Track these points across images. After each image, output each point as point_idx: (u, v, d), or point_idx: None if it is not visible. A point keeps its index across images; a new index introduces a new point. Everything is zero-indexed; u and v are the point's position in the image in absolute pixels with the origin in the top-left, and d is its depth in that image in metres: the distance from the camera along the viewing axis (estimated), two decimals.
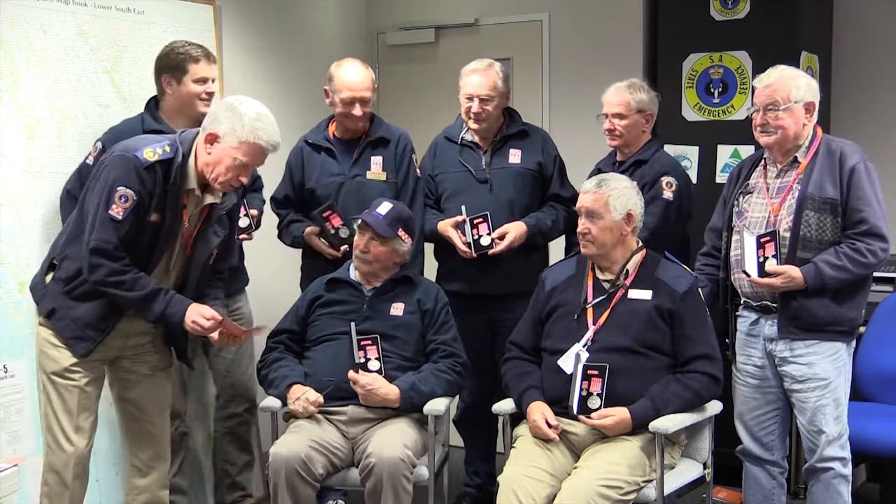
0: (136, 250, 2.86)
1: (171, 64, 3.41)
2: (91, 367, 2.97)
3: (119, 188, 2.79)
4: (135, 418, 3.12)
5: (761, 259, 3.05)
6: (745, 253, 3.09)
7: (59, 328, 2.92)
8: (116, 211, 2.79)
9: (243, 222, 3.49)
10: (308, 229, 3.67)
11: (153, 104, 3.50)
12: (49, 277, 2.95)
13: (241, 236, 3.52)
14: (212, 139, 2.87)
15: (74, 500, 2.98)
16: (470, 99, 3.68)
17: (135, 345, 3.05)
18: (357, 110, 3.64)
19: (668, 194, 3.55)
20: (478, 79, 3.68)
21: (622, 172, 3.53)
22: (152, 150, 2.84)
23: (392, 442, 3.08)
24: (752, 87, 3.18)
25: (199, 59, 3.43)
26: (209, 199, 2.96)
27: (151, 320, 2.94)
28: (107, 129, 3.48)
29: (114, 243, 2.80)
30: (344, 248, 3.61)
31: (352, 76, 3.65)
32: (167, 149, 2.86)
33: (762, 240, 3.07)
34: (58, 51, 3.51)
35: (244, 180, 2.93)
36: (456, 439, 3.91)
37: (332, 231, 3.61)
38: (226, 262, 3.21)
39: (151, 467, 3.14)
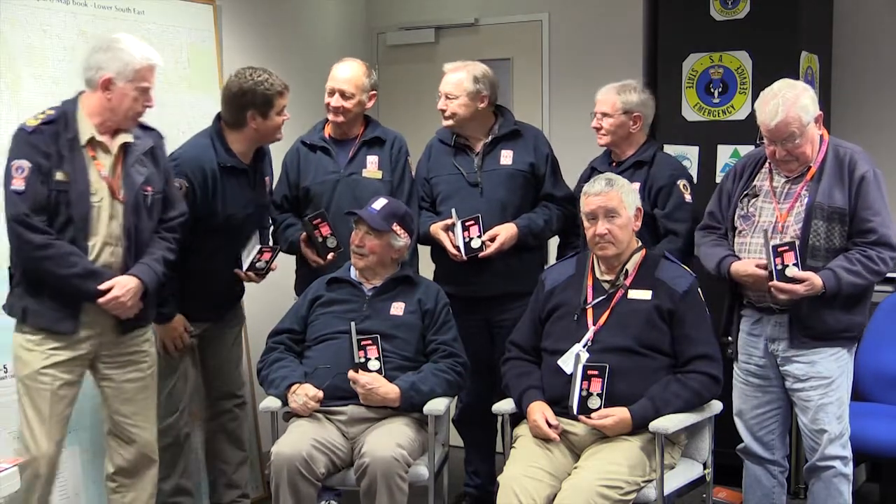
0: (66, 217, 2.90)
1: (259, 101, 3.39)
2: (64, 369, 2.98)
3: (13, 162, 2.88)
4: (117, 425, 3.15)
5: (779, 267, 3.03)
6: (769, 260, 3.04)
7: (38, 322, 2.96)
8: (17, 183, 2.86)
9: (260, 265, 3.54)
10: (302, 235, 3.67)
11: (217, 127, 3.48)
12: (12, 290, 3.02)
13: (250, 273, 3.54)
14: (107, 84, 2.95)
15: (42, 500, 3.01)
16: (440, 96, 3.73)
17: (109, 342, 3.07)
18: (335, 100, 3.66)
19: (688, 197, 3.58)
20: (446, 77, 3.73)
21: (620, 173, 3.53)
22: (34, 117, 2.95)
23: (386, 441, 3.08)
24: (754, 109, 3.11)
25: (284, 92, 3.44)
26: (121, 139, 3.01)
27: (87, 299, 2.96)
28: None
29: (24, 212, 2.85)
30: (330, 257, 3.61)
31: (339, 70, 3.71)
32: (50, 112, 2.95)
33: (780, 249, 3.02)
34: (58, 51, 3.51)
35: (151, 103, 3.04)
36: (456, 439, 3.91)
37: (320, 239, 3.61)
38: (173, 212, 3.19)
39: (138, 471, 3.17)
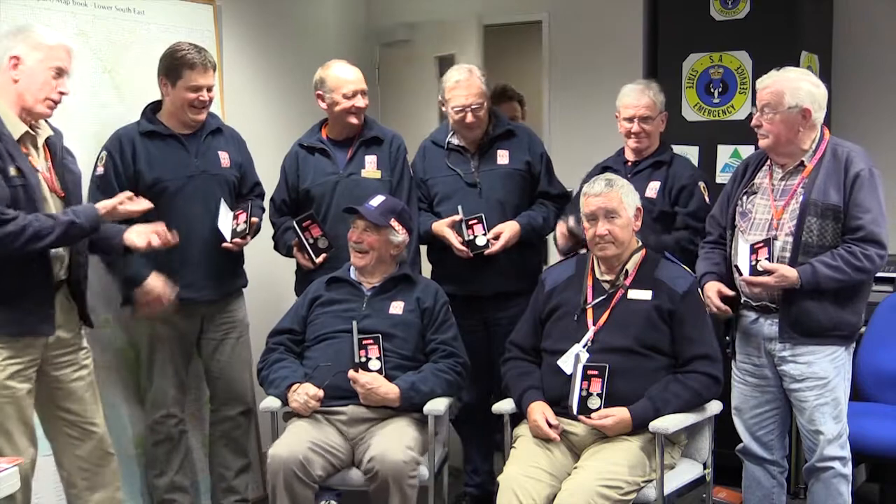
0: (28, 212, 2.80)
1: (168, 67, 3.43)
2: (22, 378, 2.87)
3: None
4: (72, 423, 3.06)
5: (753, 262, 3.05)
6: (739, 256, 3.09)
7: (15, 330, 2.83)
8: None
9: (240, 227, 3.50)
10: (293, 241, 3.67)
11: (150, 109, 3.53)
12: None
13: (235, 240, 3.51)
14: (15, 63, 2.84)
15: None
16: (462, 111, 3.67)
17: (55, 340, 2.96)
18: (360, 101, 3.67)
19: (707, 199, 3.59)
20: (463, 90, 3.67)
21: (637, 173, 3.55)
22: None
23: (395, 444, 3.08)
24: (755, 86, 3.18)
25: (196, 66, 3.42)
26: (44, 134, 2.95)
27: (89, 243, 2.96)
28: (107, 131, 3.48)
29: None
30: (320, 259, 3.61)
31: (347, 72, 3.70)
32: None
33: (756, 246, 3.06)
34: None
35: (65, 89, 2.92)
36: (456, 439, 3.90)
37: (311, 241, 3.61)
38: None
39: (99, 467, 3.09)
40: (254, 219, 3.56)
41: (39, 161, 2.93)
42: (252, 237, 3.60)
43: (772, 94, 3.07)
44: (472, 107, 3.66)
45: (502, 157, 3.75)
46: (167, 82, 3.43)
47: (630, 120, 3.62)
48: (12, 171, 2.80)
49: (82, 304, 3.04)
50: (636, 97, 3.61)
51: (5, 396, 2.85)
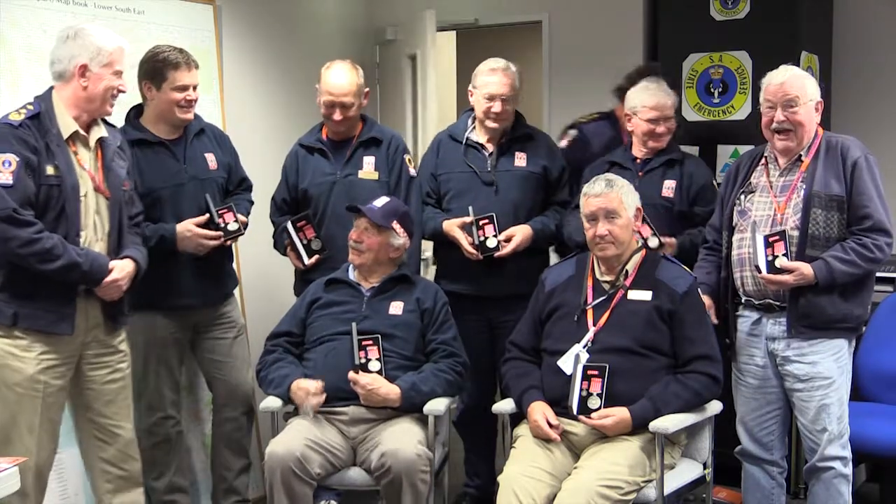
0: (57, 212, 2.87)
1: (150, 70, 3.40)
2: (55, 374, 2.92)
3: None
4: (99, 426, 3.09)
5: (770, 258, 3.05)
6: (756, 252, 3.08)
7: (32, 325, 2.88)
8: (3, 178, 2.79)
9: (232, 226, 3.48)
10: (286, 241, 3.67)
11: (133, 114, 3.51)
12: None
13: (227, 241, 3.51)
14: (83, 71, 2.92)
15: None
16: (491, 99, 3.67)
17: (94, 340, 3.01)
18: (337, 115, 3.64)
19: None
20: (500, 78, 3.68)
21: (649, 171, 3.58)
22: (17, 112, 2.91)
23: (406, 440, 3.08)
24: (760, 85, 3.17)
25: (180, 65, 3.40)
26: (97, 134, 3.01)
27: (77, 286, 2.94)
28: None
29: (12, 207, 2.77)
30: (312, 260, 3.62)
31: (335, 79, 3.65)
32: (30, 107, 2.91)
33: (771, 239, 3.06)
34: None
35: (125, 88, 3.03)
36: (456, 439, 3.90)
37: (305, 242, 3.62)
38: (135, 209, 3.19)
39: (123, 471, 3.11)
40: (242, 217, 3.55)
41: (89, 160, 2.98)
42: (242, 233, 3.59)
43: (794, 88, 3.09)
44: (503, 97, 3.66)
45: (520, 159, 3.74)
46: (151, 86, 3.41)
47: (655, 121, 3.60)
48: (49, 170, 2.86)
49: (112, 304, 3.04)
50: (663, 98, 3.63)
51: (34, 391, 2.90)
